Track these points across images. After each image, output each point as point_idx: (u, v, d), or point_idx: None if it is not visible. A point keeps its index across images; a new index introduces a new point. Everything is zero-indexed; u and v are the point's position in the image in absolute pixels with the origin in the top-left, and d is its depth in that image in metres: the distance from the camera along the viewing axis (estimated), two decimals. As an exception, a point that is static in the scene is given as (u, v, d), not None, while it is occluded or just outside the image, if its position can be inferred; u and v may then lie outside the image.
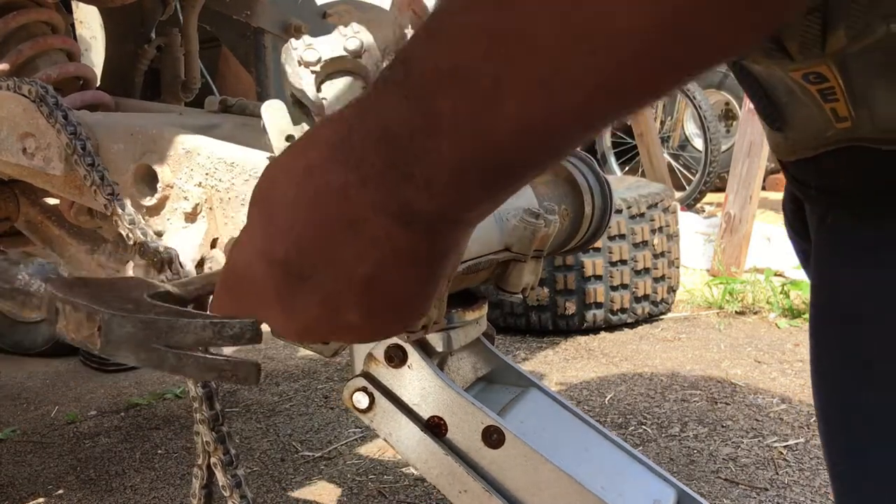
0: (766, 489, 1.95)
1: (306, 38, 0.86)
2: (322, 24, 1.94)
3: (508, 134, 0.44)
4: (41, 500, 2.20)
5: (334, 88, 0.87)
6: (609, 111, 0.44)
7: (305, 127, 0.86)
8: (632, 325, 3.26)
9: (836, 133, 0.56)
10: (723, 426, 2.29)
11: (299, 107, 0.88)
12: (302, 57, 0.85)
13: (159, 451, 2.44)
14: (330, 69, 0.87)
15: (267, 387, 2.92)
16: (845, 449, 0.63)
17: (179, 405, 2.84)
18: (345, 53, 0.87)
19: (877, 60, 0.52)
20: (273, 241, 0.51)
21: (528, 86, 0.42)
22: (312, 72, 0.86)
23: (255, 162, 0.96)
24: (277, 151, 0.88)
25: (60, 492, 2.23)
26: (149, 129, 1.04)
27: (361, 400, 0.87)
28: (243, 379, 0.53)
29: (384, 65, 0.56)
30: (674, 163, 5.74)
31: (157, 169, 1.01)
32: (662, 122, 5.68)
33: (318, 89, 0.86)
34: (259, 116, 1.28)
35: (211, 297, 0.59)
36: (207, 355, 0.53)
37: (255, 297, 0.52)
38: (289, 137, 0.85)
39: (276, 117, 0.85)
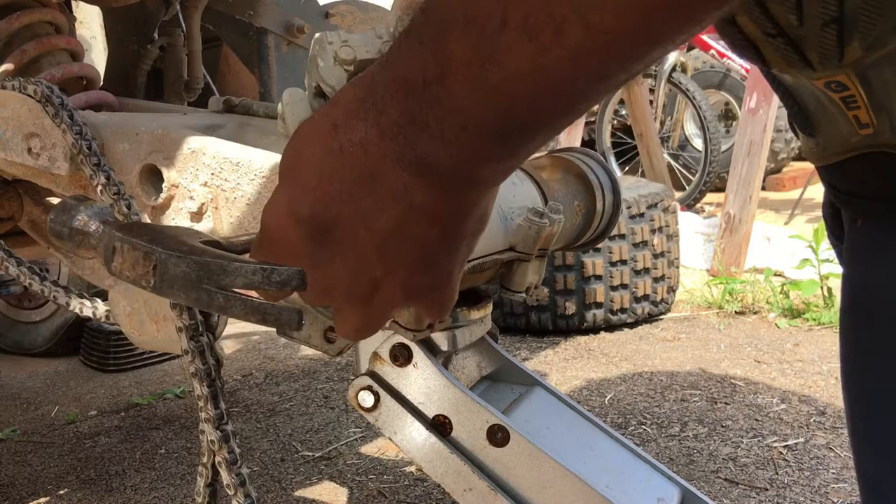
0: (766, 489, 1.96)
1: (342, 34, 0.86)
2: (324, 24, 1.94)
3: (515, 81, 0.44)
4: (41, 500, 2.20)
5: None
6: (615, 58, 0.44)
7: None
8: (632, 325, 3.26)
9: (860, 139, 0.57)
10: (723, 426, 2.30)
11: (321, 99, 0.88)
12: (338, 53, 0.85)
13: (159, 451, 2.44)
14: (361, 69, 0.87)
15: (267, 387, 2.92)
16: (868, 445, 0.63)
17: (179, 405, 2.84)
18: (380, 56, 0.87)
19: (894, 70, 0.53)
20: (300, 198, 0.52)
21: (531, 27, 0.43)
22: (346, 70, 0.85)
23: (260, 162, 0.96)
24: None
25: (60, 492, 2.23)
26: (154, 128, 1.04)
27: (366, 399, 0.87)
28: (286, 324, 0.54)
29: None
30: (674, 163, 5.75)
31: (163, 169, 1.01)
32: (662, 122, 5.68)
33: None
34: (262, 116, 1.28)
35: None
36: (254, 299, 0.54)
37: (284, 253, 0.54)
38: None
39: (297, 108, 0.85)
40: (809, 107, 0.61)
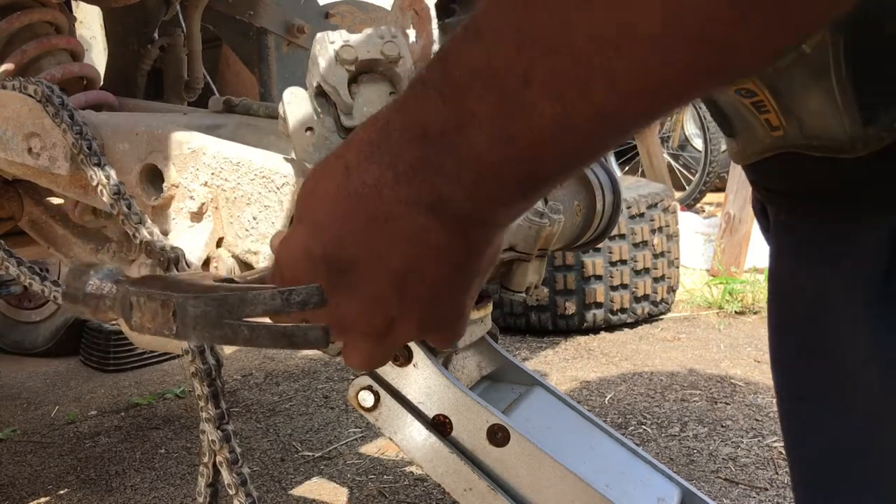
0: (766, 489, 1.96)
1: (343, 34, 0.86)
2: (324, 24, 1.94)
3: (538, 135, 0.45)
4: (41, 499, 2.20)
5: (366, 91, 0.87)
6: (639, 114, 0.45)
7: (327, 120, 0.86)
8: (632, 325, 3.26)
9: (773, 140, 0.59)
10: (722, 426, 2.30)
11: (322, 98, 0.88)
12: (339, 53, 0.85)
13: (159, 451, 2.44)
14: (362, 69, 0.87)
15: (267, 387, 2.92)
16: (792, 440, 0.66)
17: (179, 405, 2.84)
18: (381, 57, 0.87)
19: (798, 78, 0.55)
20: (314, 237, 0.53)
21: (556, 86, 0.43)
22: (347, 70, 0.85)
23: (260, 162, 0.96)
24: (295, 140, 0.88)
25: (60, 492, 2.23)
26: (154, 128, 1.04)
27: (366, 398, 0.88)
28: (314, 342, 0.54)
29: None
30: (674, 163, 5.75)
31: (163, 168, 1.01)
32: (662, 123, 5.68)
33: (349, 88, 0.86)
34: (262, 116, 1.29)
35: None
36: (278, 325, 0.55)
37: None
38: (308, 129, 0.85)
39: (298, 107, 0.85)
40: (727, 111, 0.64)
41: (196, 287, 0.57)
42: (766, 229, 0.71)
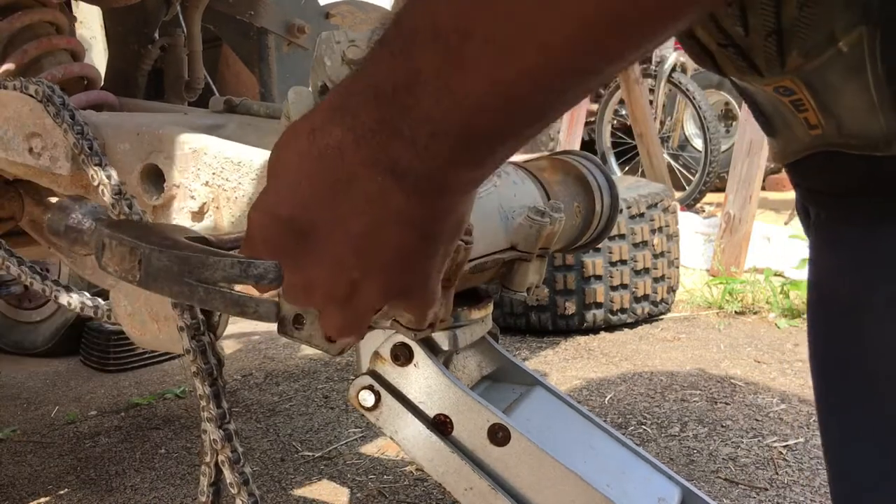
0: (766, 489, 1.96)
1: (349, 34, 0.86)
2: (324, 24, 1.94)
3: (477, 93, 0.47)
4: (41, 500, 2.20)
5: None
6: (571, 72, 0.47)
7: None
8: (632, 325, 3.26)
9: (812, 139, 0.60)
10: (723, 426, 2.30)
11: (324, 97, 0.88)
12: (345, 53, 0.85)
13: (159, 451, 2.44)
14: None
15: (267, 387, 2.92)
16: (836, 437, 0.66)
17: (179, 405, 2.84)
18: None
19: (835, 75, 0.56)
20: (280, 199, 0.54)
21: (492, 42, 0.45)
22: (352, 69, 0.85)
23: (261, 161, 0.96)
24: None
25: (60, 492, 2.23)
26: (155, 128, 1.04)
27: (367, 398, 0.88)
28: (264, 315, 0.57)
29: None
30: (674, 163, 5.75)
31: (164, 168, 1.01)
32: (662, 122, 5.69)
33: None
34: (263, 116, 1.29)
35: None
36: (233, 292, 0.57)
37: (267, 252, 0.56)
38: None
39: (302, 106, 0.86)
40: (767, 110, 0.65)
41: (166, 241, 0.58)
42: (808, 229, 0.71)
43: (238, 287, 0.58)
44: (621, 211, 3.10)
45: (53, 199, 1.34)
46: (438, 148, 0.49)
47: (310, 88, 0.88)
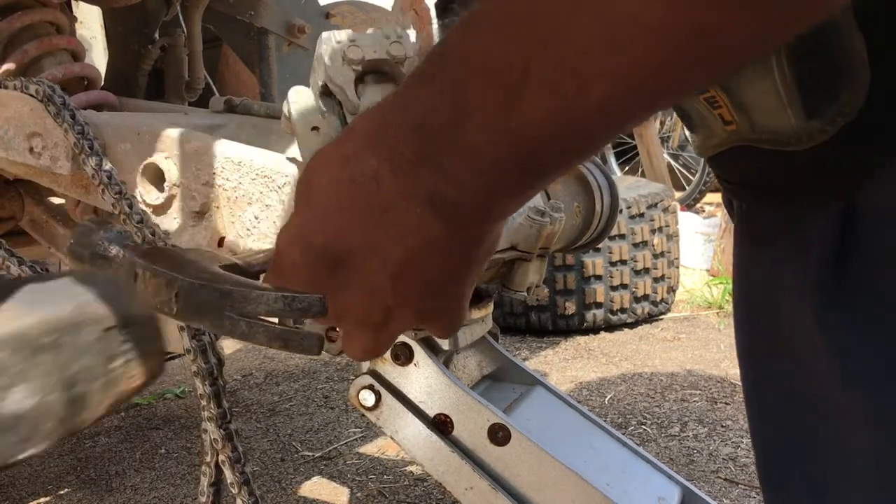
0: (767, 488, 1.96)
1: (349, 34, 0.86)
2: (324, 24, 1.95)
3: (536, 129, 0.45)
4: (41, 500, 2.20)
5: (371, 91, 0.87)
6: (637, 108, 0.46)
7: (333, 120, 0.87)
8: (632, 325, 3.26)
9: (728, 135, 0.61)
10: (723, 426, 2.30)
11: (327, 98, 0.88)
12: (346, 53, 0.85)
13: (159, 451, 2.44)
14: (368, 69, 0.87)
15: (267, 387, 2.92)
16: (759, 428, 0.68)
17: (179, 405, 2.84)
18: (388, 57, 0.87)
19: (745, 75, 0.57)
20: (311, 227, 0.53)
21: (554, 80, 0.43)
22: (353, 70, 0.86)
23: (261, 161, 0.97)
24: (301, 140, 0.88)
25: (61, 492, 2.23)
26: (156, 128, 1.04)
27: (368, 398, 0.88)
28: (307, 349, 0.55)
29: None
30: (674, 163, 5.75)
31: (165, 168, 1.01)
32: (662, 122, 5.68)
33: (356, 88, 0.86)
34: (263, 116, 1.29)
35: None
36: (276, 325, 0.55)
37: (299, 280, 0.55)
38: (314, 129, 0.85)
39: (303, 106, 0.86)
40: (685, 107, 0.65)
41: (202, 272, 0.57)
42: (732, 220, 0.73)
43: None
44: (621, 211, 3.10)
45: (55, 199, 1.34)
46: (483, 181, 0.49)
47: (310, 88, 0.89)
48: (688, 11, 0.40)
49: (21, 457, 0.52)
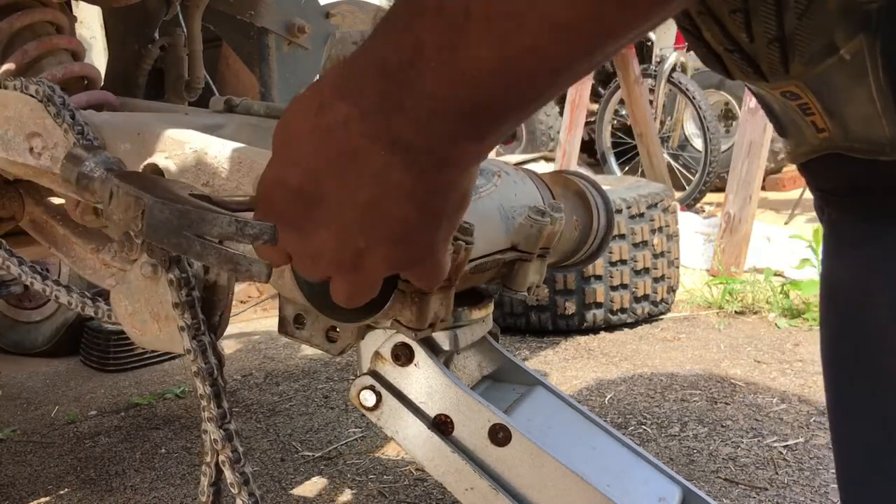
0: (766, 489, 1.96)
1: (364, 33, 0.86)
2: (324, 24, 1.94)
3: (480, 69, 0.48)
4: (41, 500, 2.20)
5: None
6: (573, 53, 0.47)
7: None
8: (632, 325, 3.26)
9: (820, 142, 0.62)
10: (722, 426, 2.30)
11: None
12: None
13: (159, 451, 2.44)
14: None
15: (267, 387, 2.92)
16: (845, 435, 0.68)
17: (179, 405, 2.84)
18: None
19: (839, 82, 0.57)
20: (288, 170, 0.56)
21: (493, 20, 0.46)
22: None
23: (262, 161, 0.96)
24: None
25: (61, 492, 2.23)
26: (156, 128, 1.04)
27: (368, 398, 0.88)
28: (256, 274, 0.59)
29: None
30: (674, 163, 5.75)
31: (164, 168, 1.01)
32: (662, 122, 5.68)
33: None
34: (263, 116, 1.28)
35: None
36: (227, 249, 0.59)
37: (276, 219, 0.58)
38: None
39: None
40: (778, 113, 0.66)
41: (169, 194, 0.60)
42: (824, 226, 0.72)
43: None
44: (620, 211, 3.10)
45: (55, 200, 1.34)
46: (440, 122, 0.50)
47: None
48: None
49: None
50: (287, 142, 0.56)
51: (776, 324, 3.16)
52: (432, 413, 0.87)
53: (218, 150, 0.98)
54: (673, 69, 5.42)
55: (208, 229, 0.58)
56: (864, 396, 0.63)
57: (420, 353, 0.87)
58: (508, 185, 0.95)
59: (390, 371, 0.87)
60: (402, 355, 0.87)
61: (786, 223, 4.72)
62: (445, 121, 0.51)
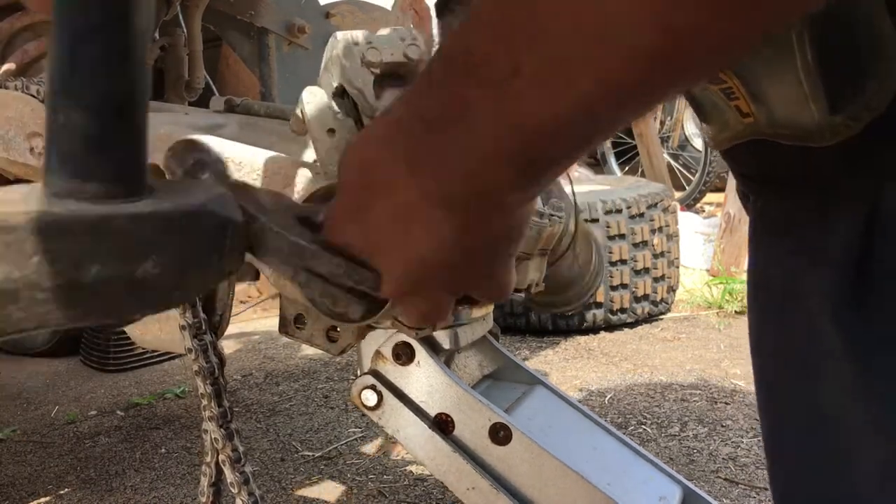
0: (766, 489, 1.96)
1: (366, 35, 0.86)
2: (324, 24, 1.95)
3: (530, 123, 0.47)
4: (41, 499, 2.20)
5: (388, 94, 0.86)
6: (627, 104, 0.46)
7: (347, 122, 0.86)
8: (632, 325, 3.26)
9: (744, 127, 0.60)
10: (722, 426, 2.30)
11: (342, 100, 0.87)
12: (365, 55, 0.85)
13: (159, 451, 2.44)
14: (387, 72, 0.87)
15: (267, 387, 2.92)
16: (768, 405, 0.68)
17: (179, 405, 2.84)
18: (405, 59, 0.87)
19: (762, 62, 0.55)
20: (349, 217, 0.58)
21: (543, 77, 0.45)
22: (372, 72, 0.85)
23: (262, 162, 0.96)
24: (317, 142, 0.88)
25: (61, 492, 2.23)
26: (156, 128, 1.04)
27: (369, 397, 0.88)
28: (352, 313, 0.62)
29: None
30: (673, 163, 5.75)
31: (165, 168, 1.01)
32: (662, 122, 5.69)
33: (376, 92, 0.86)
34: (263, 116, 1.28)
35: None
36: (330, 284, 0.61)
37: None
38: (330, 131, 0.85)
39: (318, 107, 0.85)
40: (699, 98, 0.64)
41: (282, 218, 0.62)
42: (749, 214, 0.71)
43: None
44: (620, 211, 3.10)
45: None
46: (490, 174, 0.50)
47: (322, 88, 0.88)
48: (667, 10, 0.41)
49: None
50: (345, 191, 0.58)
51: (776, 324, 3.16)
52: (433, 412, 0.87)
53: (219, 150, 0.98)
54: (673, 69, 5.41)
55: (316, 265, 0.60)
56: (791, 387, 0.62)
57: (421, 353, 0.87)
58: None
59: (391, 370, 0.88)
60: (403, 354, 0.87)
61: (785, 223, 4.72)
62: (495, 171, 0.50)
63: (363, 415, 0.88)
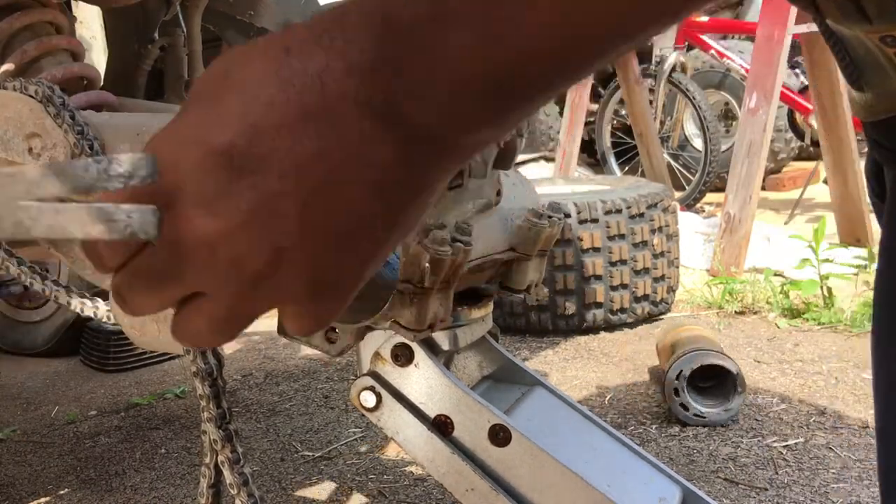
0: (766, 489, 1.96)
1: None
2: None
3: (530, 36, 0.39)
4: (41, 500, 2.20)
5: None
6: (647, 17, 0.40)
7: None
8: (632, 325, 3.26)
9: None
10: (723, 426, 2.30)
11: None
12: None
13: (159, 451, 2.44)
14: None
15: (267, 387, 2.92)
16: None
17: (179, 405, 2.84)
18: None
19: None
20: (217, 127, 0.42)
21: None
22: None
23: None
24: None
25: (61, 492, 2.23)
26: (156, 128, 1.04)
27: (368, 399, 0.88)
28: (139, 227, 0.41)
29: None
30: (673, 163, 5.75)
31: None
32: (662, 122, 5.68)
33: None
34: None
35: None
36: (81, 203, 0.42)
37: (177, 192, 0.42)
38: None
39: None
40: (861, 61, 0.59)
41: None
42: (876, 195, 0.65)
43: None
44: (620, 211, 3.10)
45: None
46: (455, 99, 0.40)
47: None
48: None
49: None
50: (221, 90, 0.42)
51: (776, 324, 3.16)
52: (432, 413, 0.87)
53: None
54: (673, 69, 5.41)
55: (47, 186, 0.40)
56: None
57: (420, 354, 0.87)
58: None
59: (390, 372, 0.87)
60: (402, 356, 0.87)
61: (786, 223, 4.72)
62: (464, 99, 0.40)
63: (363, 415, 0.88)
